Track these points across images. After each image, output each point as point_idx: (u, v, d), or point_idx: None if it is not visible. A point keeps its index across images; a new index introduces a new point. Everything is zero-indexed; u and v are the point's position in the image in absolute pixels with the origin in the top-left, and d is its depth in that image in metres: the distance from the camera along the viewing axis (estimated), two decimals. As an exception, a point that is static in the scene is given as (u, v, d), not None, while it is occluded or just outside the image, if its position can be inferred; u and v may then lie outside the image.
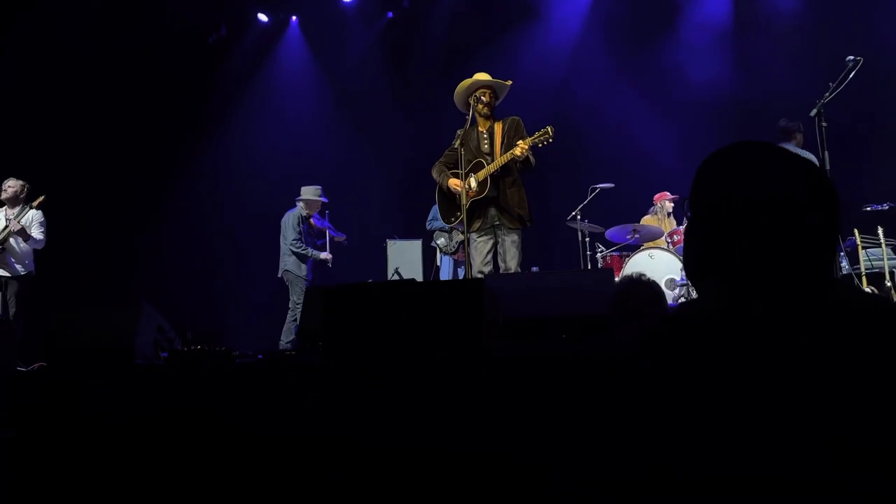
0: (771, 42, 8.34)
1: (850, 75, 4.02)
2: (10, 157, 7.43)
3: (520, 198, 4.89)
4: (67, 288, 7.70)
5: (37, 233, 6.58)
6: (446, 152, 5.10)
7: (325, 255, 7.57)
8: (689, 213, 1.13)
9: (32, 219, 6.61)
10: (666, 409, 0.92)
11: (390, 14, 10.07)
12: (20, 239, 6.52)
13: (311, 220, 7.54)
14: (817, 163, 5.56)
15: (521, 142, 4.68)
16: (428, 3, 9.81)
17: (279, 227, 7.69)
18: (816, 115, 4.02)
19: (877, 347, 0.90)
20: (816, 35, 7.99)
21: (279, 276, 7.50)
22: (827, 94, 4.05)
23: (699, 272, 1.11)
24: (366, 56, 9.87)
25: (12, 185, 6.63)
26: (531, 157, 4.78)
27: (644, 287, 2.47)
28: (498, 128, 4.91)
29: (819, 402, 0.87)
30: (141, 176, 9.09)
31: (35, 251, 6.68)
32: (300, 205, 7.55)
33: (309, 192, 7.53)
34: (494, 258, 4.91)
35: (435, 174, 5.14)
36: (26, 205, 6.63)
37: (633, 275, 2.56)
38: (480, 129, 5.02)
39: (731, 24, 8.84)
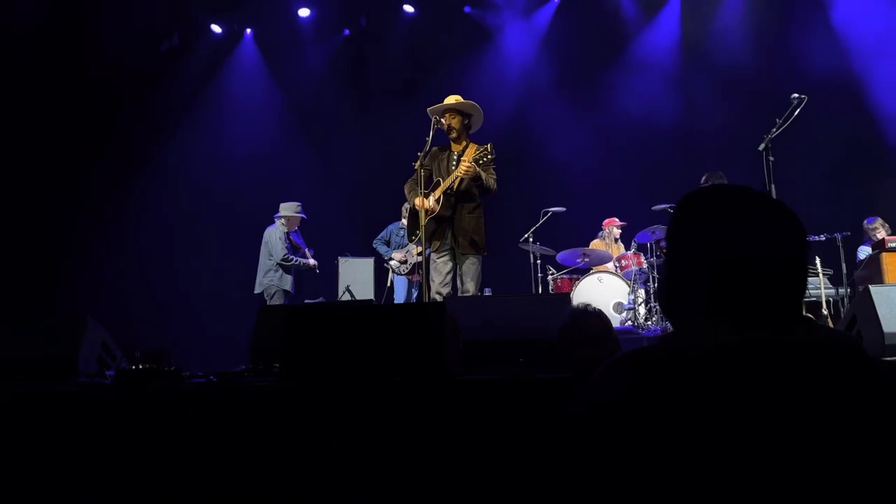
0: (720, 73, 8.64)
1: (796, 112, 4.20)
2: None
3: (476, 225, 4.90)
4: (6, 298, 7.38)
5: None
6: (422, 169, 5.12)
7: (312, 261, 7.56)
8: (664, 249, 1.16)
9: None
10: (633, 444, 0.93)
11: (347, 31, 10.06)
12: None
13: (290, 236, 7.48)
14: None
15: (464, 158, 4.73)
16: (385, 23, 9.85)
17: (229, 241, 7.55)
18: (764, 149, 4.18)
19: (851, 388, 0.93)
20: (762, 70, 8.33)
21: (257, 292, 7.37)
22: (774, 129, 4.21)
23: (672, 307, 1.13)
24: (321, 72, 9.83)
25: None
26: (486, 178, 4.80)
27: (593, 317, 2.49)
28: (470, 151, 4.91)
29: (793, 438, 0.89)
30: (88, 185, 8.82)
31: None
32: (280, 221, 7.47)
33: (289, 209, 7.50)
34: (453, 280, 4.92)
35: (406, 189, 5.15)
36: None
37: (580, 305, 2.58)
38: (453, 149, 5.05)
39: (680, 55, 9.15)
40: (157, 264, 8.91)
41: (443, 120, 4.97)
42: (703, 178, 6.37)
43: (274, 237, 7.43)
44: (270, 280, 7.31)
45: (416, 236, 4.97)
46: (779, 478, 0.88)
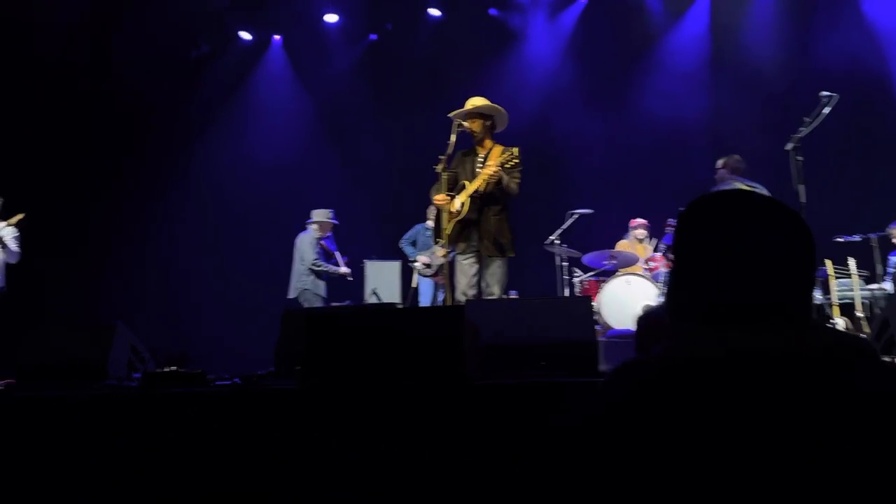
0: (748, 71, 8.52)
1: (825, 111, 4.11)
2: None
3: (501, 227, 4.88)
4: (40, 305, 7.56)
5: (13, 245, 6.47)
6: (448, 172, 5.14)
7: (343, 269, 7.67)
8: (671, 256, 1.15)
9: (7, 234, 6.49)
10: (633, 453, 0.92)
11: (373, 36, 10.12)
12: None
13: (322, 242, 7.58)
14: (765, 192, 5.67)
15: (489, 162, 4.71)
16: (410, 26, 9.89)
17: (258, 246, 7.65)
18: (793, 149, 4.10)
19: (859, 395, 0.91)
20: (793, 69, 8.18)
21: (292, 296, 7.48)
22: (802, 128, 4.14)
23: (677, 313, 1.12)
24: (348, 76, 9.90)
25: (-16, 200, 6.53)
26: (508, 182, 4.80)
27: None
28: (495, 152, 4.91)
29: (802, 448, 0.88)
30: (118, 193, 8.99)
31: (7, 267, 6.56)
32: (313, 227, 7.56)
33: (321, 215, 7.60)
34: (479, 282, 4.91)
35: (431, 195, 5.18)
36: (1, 220, 6.52)
37: (653, 307, 2.61)
38: (478, 152, 5.05)
39: (707, 54, 9.03)
40: (184, 268, 9.04)
41: (465, 123, 4.96)
42: (721, 161, 6.15)
43: (305, 243, 7.52)
44: (304, 285, 7.40)
45: (442, 239, 4.99)
46: (780, 490, 0.86)
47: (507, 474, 2.06)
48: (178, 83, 9.52)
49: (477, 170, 4.94)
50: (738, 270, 1.03)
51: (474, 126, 4.97)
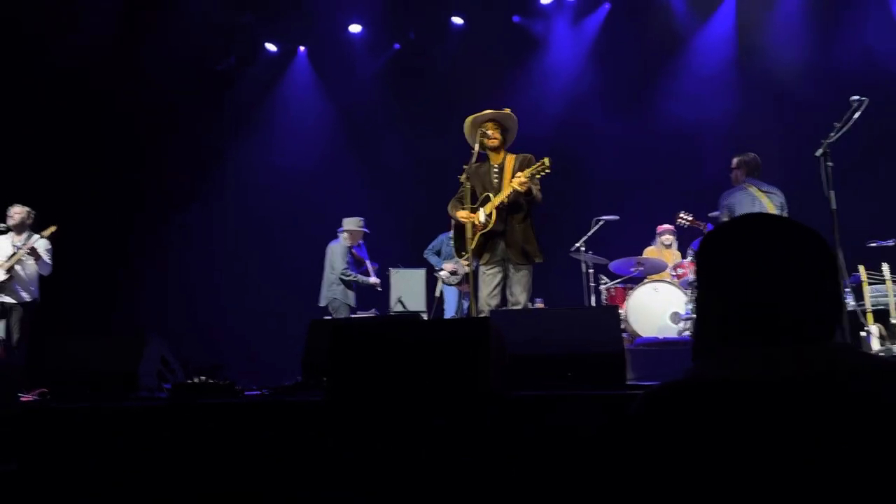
0: (774, 74, 8.40)
1: (856, 115, 4.04)
2: (17, 181, 7.48)
3: (527, 234, 4.87)
4: (72, 316, 7.69)
5: (47, 257, 6.61)
6: (460, 188, 5.13)
7: (373, 279, 7.73)
8: (696, 284, 1.16)
9: (41, 246, 6.63)
10: (686, 476, 0.92)
11: (397, 45, 10.18)
12: (26, 266, 6.54)
13: (353, 250, 7.64)
14: (784, 199, 5.54)
15: (519, 174, 4.70)
16: (434, 34, 9.93)
17: (285, 255, 7.70)
18: (822, 155, 4.04)
19: (885, 421, 0.90)
20: (821, 72, 8.06)
21: (322, 304, 7.56)
22: (832, 133, 4.07)
23: (709, 336, 1.12)
24: (372, 86, 9.97)
25: (18, 212, 6.67)
26: (536, 192, 4.79)
27: None
28: (510, 162, 4.92)
29: (834, 471, 0.87)
30: (147, 203, 9.14)
31: (41, 278, 6.70)
32: (343, 235, 7.61)
33: (352, 224, 7.66)
34: (502, 291, 4.90)
35: (450, 209, 5.17)
36: (33, 232, 6.66)
37: None
38: (492, 162, 5.03)
39: (733, 58, 8.93)
40: (213, 278, 9.15)
41: (488, 132, 4.96)
42: (735, 160, 6.02)
43: (336, 252, 7.57)
44: (334, 294, 7.46)
45: (466, 253, 4.96)
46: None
47: (532, 487, 2.05)
48: (205, 95, 9.66)
49: (494, 180, 4.94)
50: (764, 291, 1.03)
51: (495, 133, 4.97)
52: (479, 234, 4.86)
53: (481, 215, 4.86)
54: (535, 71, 9.63)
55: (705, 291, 1.13)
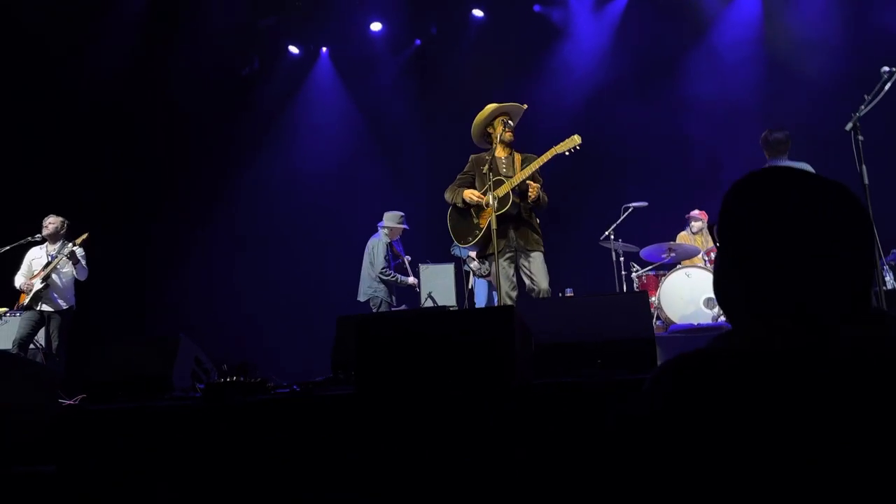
0: (804, 54, 8.21)
1: (886, 87, 3.92)
2: (49, 189, 7.66)
3: (535, 222, 4.95)
4: (106, 321, 7.85)
5: (83, 262, 6.76)
6: (459, 177, 5.13)
7: (411, 279, 7.78)
8: (717, 243, 1.08)
9: (76, 252, 6.78)
10: (705, 450, 0.88)
11: (418, 41, 10.19)
12: (62, 274, 6.69)
13: (392, 246, 7.69)
14: (814, 172, 5.38)
15: (531, 183, 4.76)
16: (455, 29, 9.91)
17: (311, 254, 7.74)
18: (853, 129, 3.92)
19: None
20: (851, 47, 7.85)
21: (362, 300, 7.62)
22: (863, 106, 3.96)
23: (731, 304, 1.07)
24: (395, 83, 9.99)
25: (53, 222, 6.83)
26: (543, 198, 4.85)
27: None
28: (518, 157, 4.99)
29: (869, 448, 0.83)
30: (176, 207, 9.28)
31: (76, 285, 6.85)
32: (384, 231, 7.65)
33: (393, 219, 7.69)
34: (519, 280, 4.90)
35: (448, 195, 5.15)
36: (66, 241, 6.81)
37: None
38: (499, 154, 5.02)
39: (763, 38, 8.75)
40: (241, 279, 9.27)
41: (507, 121, 4.97)
42: (762, 137, 5.86)
43: (378, 249, 7.60)
44: (374, 291, 7.50)
45: (474, 238, 4.94)
46: (840, 490, 0.82)
47: (561, 474, 2.03)
48: (230, 100, 9.77)
49: (502, 168, 4.93)
50: (793, 257, 0.96)
51: (501, 128, 4.98)
52: (494, 216, 4.82)
53: (491, 199, 4.83)
54: (558, 60, 9.55)
55: (728, 254, 1.05)
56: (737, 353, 0.94)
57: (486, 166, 4.86)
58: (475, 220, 4.90)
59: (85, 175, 8.61)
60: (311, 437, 2.65)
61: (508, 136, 4.98)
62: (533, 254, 4.84)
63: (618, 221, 7.18)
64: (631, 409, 0.98)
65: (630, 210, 7.23)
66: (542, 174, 4.95)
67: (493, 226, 4.72)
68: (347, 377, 3.29)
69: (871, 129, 4.09)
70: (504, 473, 2.11)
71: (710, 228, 1.11)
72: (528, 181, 4.77)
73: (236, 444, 2.78)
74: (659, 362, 3.22)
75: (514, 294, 4.83)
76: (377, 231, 7.75)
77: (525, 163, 4.90)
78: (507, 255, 4.89)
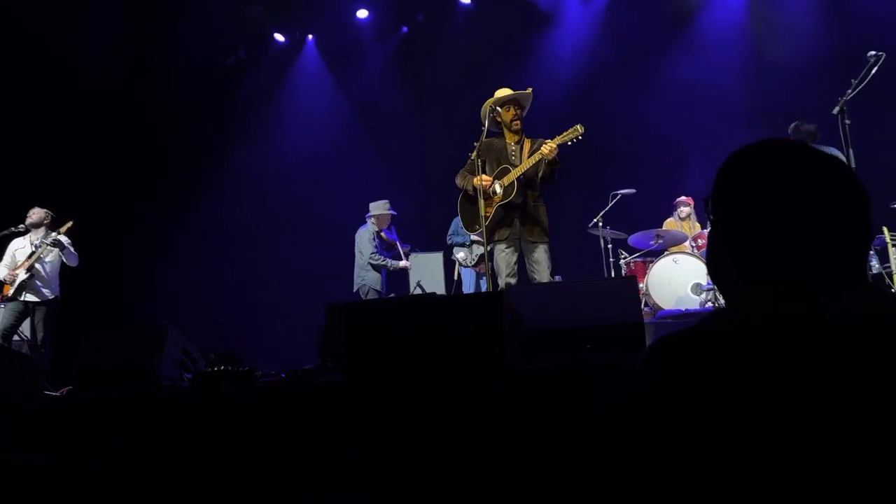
0: (789, 40, 8.24)
1: (873, 70, 3.94)
2: (33, 179, 7.57)
3: (540, 212, 4.87)
4: (90, 311, 7.79)
5: (72, 248, 6.70)
6: (469, 162, 5.08)
7: (403, 263, 7.76)
8: (711, 216, 1.07)
9: (63, 241, 6.71)
10: (700, 427, 0.87)
11: (405, 29, 10.12)
12: (46, 264, 6.63)
13: (382, 234, 7.67)
14: (843, 159, 5.45)
15: (548, 141, 4.65)
16: (442, 16, 9.85)
17: (299, 243, 7.72)
18: (839, 112, 3.94)
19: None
20: (835, 32, 7.88)
21: (354, 290, 7.61)
22: (849, 90, 3.97)
23: (725, 278, 1.05)
24: (382, 71, 9.93)
25: (37, 212, 6.77)
26: (557, 165, 4.76)
27: None
28: (527, 143, 4.92)
29: (866, 420, 0.82)
30: (162, 197, 9.21)
31: (60, 275, 6.79)
32: (371, 220, 7.66)
33: (378, 207, 7.68)
34: (520, 270, 4.88)
35: (459, 180, 5.11)
36: (50, 230, 6.74)
37: None
38: (509, 141, 5.00)
39: (748, 24, 8.76)
40: (228, 266, 9.23)
41: (500, 110, 4.92)
42: (791, 126, 5.89)
43: (363, 237, 7.61)
44: (363, 280, 7.52)
45: (479, 226, 4.93)
46: (836, 467, 0.81)
47: (550, 458, 2.03)
48: (217, 89, 9.69)
49: (511, 156, 4.90)
50: (788, 228, 0.95)
51: (508, 115, 4.93)
52: (497, 205, 4.81)
53: (497, 187, 4.82)
54: (546, 47, 9.53)
55: (723, 227, 1.04)
56: (731, 328, 0.93)
57: (494, 155, 4.86)
58: (482, 208, 4.88)
59: (70, 165, 8.51)
60: (299, 425, 2.64)
61: (517, 124, 4.95)
62: (537, 245, 4.80)
63: (606, 209, 7.19)
64: (624, 387, 0.97)
65: (618, 197, 7.25)
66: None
67: (489, 215, 4.76)
68: (336, 365, 3.28)
69: (859, 111, 4.11)
70: (494, 458, 2.11)
71: (705, 202, 1.10)
72: (547, 141, 4.67)
73: (224, 432, 2.77)
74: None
75: (512, 282, 4.81)
76: (366, 222, 7.75)
77: (533, 146, 4.84)
78: (511, 244, 4.86)
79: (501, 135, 5.04)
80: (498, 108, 4.92)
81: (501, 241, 4.84)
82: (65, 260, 6.69)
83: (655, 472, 0.90)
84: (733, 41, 8.70)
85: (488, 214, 4.86)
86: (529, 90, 5.01)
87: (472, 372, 2.31)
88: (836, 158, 1.02)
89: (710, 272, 1.10)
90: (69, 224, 6.71)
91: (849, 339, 0.86)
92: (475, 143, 4.90)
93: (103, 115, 8.76)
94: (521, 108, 5.00)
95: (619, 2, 9.31)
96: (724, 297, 1.08)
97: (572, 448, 1.96)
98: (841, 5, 8.01)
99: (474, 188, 4.90)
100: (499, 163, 4.92)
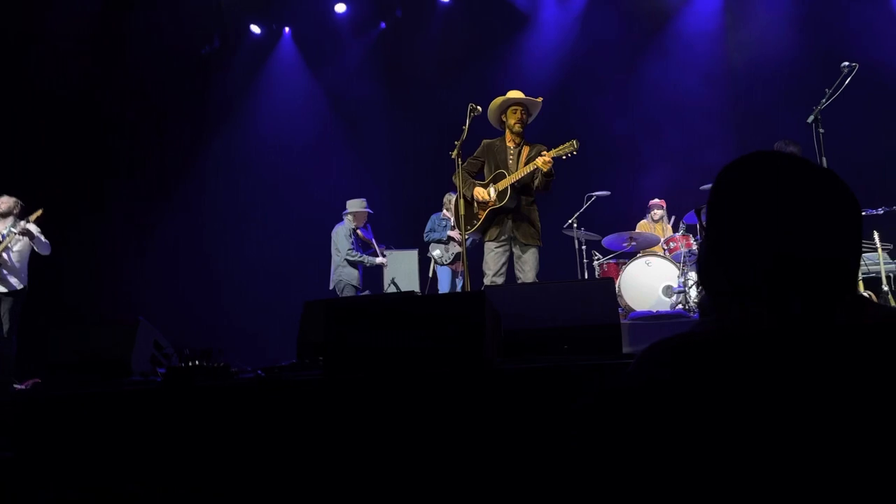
0: (762, 47, 8.38)
1: (846, 81, 4.03)
2: (2, 169, 7.39)
3: (533, 217, 4.99)
4: (62, 304, 7.64)
5: (42, 237, 6.55)
6: (469, 160, 5.14)
7: (380, 259, 7.76)
8: (705, 225, 1.09)
9: (32, 229, 6.57)
10: (699, 422, 0.88)
11: (383, 24, 10.08)
12: (13, 254, 6.48)
13: (359, 232, 7.65)
14: None
15: (545, 152, 4.72)
16: (421, 12, 9.83)
17: (275, 238, 7.66)
18: (814, 121, 4.02)
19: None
20: (811, 43, 8.04)
21: (331, 287, 7.57)
22: (823, 100, 4.05)
23: (718, 288, 1.07)
24: (359, 66, 9.88)
25: (5, 201, 6.62)
26: (550, 181, 4.88)
27: None
28: (526, 149, 5.02)
29: (859, 428, 0.83)
30: (138, 188, 9.06)
31: (30, 266, 6.64)
32: (348, 217, 7.64)
33: (355, 205, 7.68)
34: (509, 270, 4.96)
35: (458, 182, 5.15)
36: (19, 220, 6.59)
37: None
38: (509, 144, 5.08)
39: (722, 31, 8.89)
40: (203, 262, 9.11)
41: (519, 115, 4.99)
42: (775, 146, 6.06)
43: (339, 234, 7.60)
44: (339, 276, 7.50)
45: (472, 227, 5.01)
46: (817, 472, 0.82)
47: (530, 458, 2.04)
48: (190, 80, 9.55)
49: (509, 160, 4.97)
50: (783, 240, 0.96)
51: (513, 118, 5.01)
52: (489, 209, 4.90)
53: (492, 192, 4.89)
54: (523, 48, 9.57)
55: (713, 234, 1.05)
56: (730, 331, 0.94)
57: (493, 157, 4.99)
58: (476, 210, 5.00)
59: (41, 155, 8.31)
60: (276, 421, 2.62)
61: (518, 127, 5.02)
62: (528, 247, 4.91)
63: (581, 210, 7.25)
64: (622, 381, 0.97)
65: (593, 199, 7.31)
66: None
67: (482, 217, 4.92)
68: (313, 362, 3.26)
69: (831, 122, 4.19)
70: (472, 456, 2.11)
71: (696, 212, 1.11)
72: (544, 153, 4.76)
73: (199, 429, 2.74)
74: (623, 349, 3.26)
75: (499, 281, 4.90)
76: (342, 220, 7.72)
77: (531, 153, 4.92)
78: (502, 244, 4.95)
79: (503, 137, 5.11)
80: (522, 112, 5.03)
81: (492, 240, 4.92)
82: (36, 249, 6.55)
83: (646, 468, 0.90)
84: (707, 46, 8.83)
85: (480, 216, 4.95)
86: (539, 99, 5.08)
87: (452, 371, 2.32)
88: (829, 170, 1.04)
89: (702, 281, 1.11)
90: (39, 212, 6.57)
91: (837, 348, 0.88)
92: (455, 143, 4.92)
93: (74, 105, 8.57)
94: (528, 113, 5.10)
95: (597, 4, 9.38)
96: (715, 306, 1.09)
97: (554, 448, 1.98)
98: (814, 15, 8.17)
99: (473, 196, 5.00)
100: (496, 166, 5.01)
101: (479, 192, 4.98)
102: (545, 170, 4.72)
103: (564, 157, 4.75)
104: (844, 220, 0.98)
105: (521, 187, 4.92)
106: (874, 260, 6.03)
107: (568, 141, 4.75)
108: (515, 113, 5.02)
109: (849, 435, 0.83)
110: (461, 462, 2.17)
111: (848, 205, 0.99)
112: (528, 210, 4.95)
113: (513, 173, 4.91)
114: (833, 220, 0.97)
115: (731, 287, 1.02)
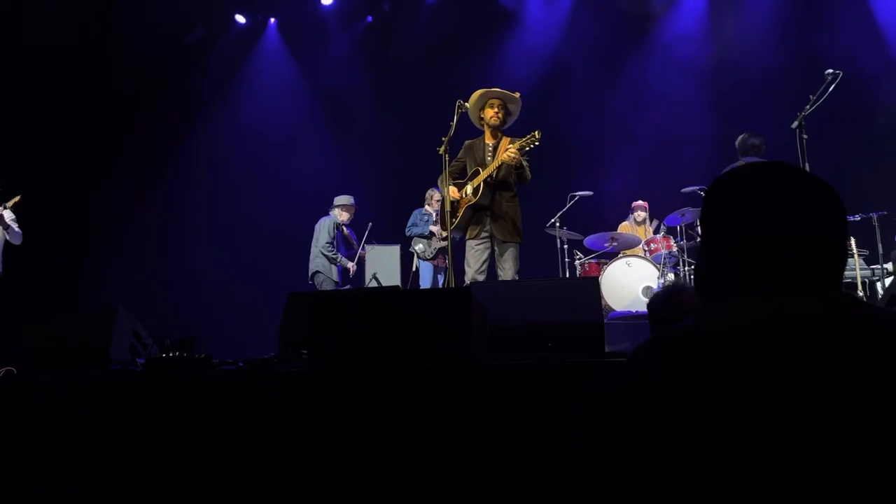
0: (749, 51, 8.46)
1: (830, 88, 4.08)
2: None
3: (515, 212, 4.96)
4: (41, 291, 7.53)
5: (15, 226, 6.42)
6: (453, 162, 5.18)
7: (350, 264, 7.77)
8: (699, 233, 1.12)
9: (6, 216, 6.45)
10: (691, 419, 0.89)
11: (370, 18, 10.03)
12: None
13: (344, 229, 7.65)
14: None
15: (509, 146, 4.72)
16: (408, 7, 9.80)
17: (258, 231, 7.62)
18: (798, 126, 4.07)
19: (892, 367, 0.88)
20: (793, 47, 8.13)
21: (309, 275, 7.53)
22: (808, 106, 4.10)
23: (714, 294, 1.09)
24: (345, 59, 9.83)
25: (-20, 186, 6.49)
26: (526, 168, 4.82)
27: (689, 291, 2.53)
28: (504, 143, 4.99)
29: (850, 419, 0.85)
30: (118, 177, 8.94)
31: (6, 253, 6.52)
32: (335, 212, 7.60)
33: (340, 201, 7.71)
34: (490, 268, 4.96)
35: (440, 184, 5.23)
36: (-1, 205, 6.48)
37: (673, 282, 2.61)
38: (487, 140, 5.08)
39: (707, 31, 8.97)
40: (184, 254, 9.03)
41: (493, 110, 4.97)
42: (739, 138, 6.14)
43: (322, 227, 7.60)
44: (317, 267, 7.51)
45: (451, 224, 5.01)
46: (811, 465, 0.83)
47: (515, 455, 2.04)
48: (173, 69, 9.44)
49: (487, 157, 4.98)
50: (763, 242, 1.00)
51: (489, 112, 5.00)
52: (465, 206, 4.91)
53: (468, 188, 4.90)
54: (510, 44, 9.59)
55: (707, 244, 1.09)
56: (723, 327, 0.96)
57: (473, 155, 4.99)
58: (457, 208, 5.01)
59: (22, 140, 8.17)
60: (259, 414, 2.60)
61: (493, 120, 5.00)
62: (508, 244, 4.90)
63: (563, 209, 7.28)
64: (613, 378, 0.98)
65: (575, 199, 7.35)
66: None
67: (459, 214, 4.91)
68: (296, 354, 3.24)
69: (811, 128, 4.25)
70: (457, 451, 2.11)
71: (687, 226, 1.16)
72: (512, 152, 4.74)
73: (179, 421, 2.70)
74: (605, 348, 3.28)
75: (480, 278, 4.90)
76: (329, 213, 7.71)
77: (522, 140, 4.91)
78: (482, 241, 4.95)
79: (483, 135, 5.12)
80: (497, 105, 5.02)
81: (473, 238, 4.92)
82: (8, 238, 6.43)
83: (640, 464, 0.91)
84: (694, 47, 8.90)
85: (459, 213, 4.96)
86: (517, 94, 5.06)
87: (438, 366, 2.31)
88: (817, 176, 1.08)
89: (699, 290, 1.14)
90: (16, 199, 6.45)
91: (828, 346, 0.90)
92: (443, 139, 4.91)
93: (53, 92, 8.43)
94: (505, 109, 5.07)
95: (583, 5, 9.41)
96: (711, 305, 1.11)
97: (541, 445, 1.98)
98: (797, 20, 8.26)
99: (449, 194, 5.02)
100: (476, 163, 5.03)
101: (453, 191, 5.00)
102: (512, 163, 4.72)
103: (528, 148, 4.76)
104: (831, 220, 1.02)
105: (496, 183, 4.90)
106: (850, 265, 6.13)
107: (531, 133, 4.76)
108: (493, 108, 5.02)
109: (840, 427, 0.84)
110: (446, 456, 2.16)
111: (834, 207, 1.03)
112: (507, 207, 4.93)
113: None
114: (821, 222, 1.01)
115: (715, 291, 1.05)
